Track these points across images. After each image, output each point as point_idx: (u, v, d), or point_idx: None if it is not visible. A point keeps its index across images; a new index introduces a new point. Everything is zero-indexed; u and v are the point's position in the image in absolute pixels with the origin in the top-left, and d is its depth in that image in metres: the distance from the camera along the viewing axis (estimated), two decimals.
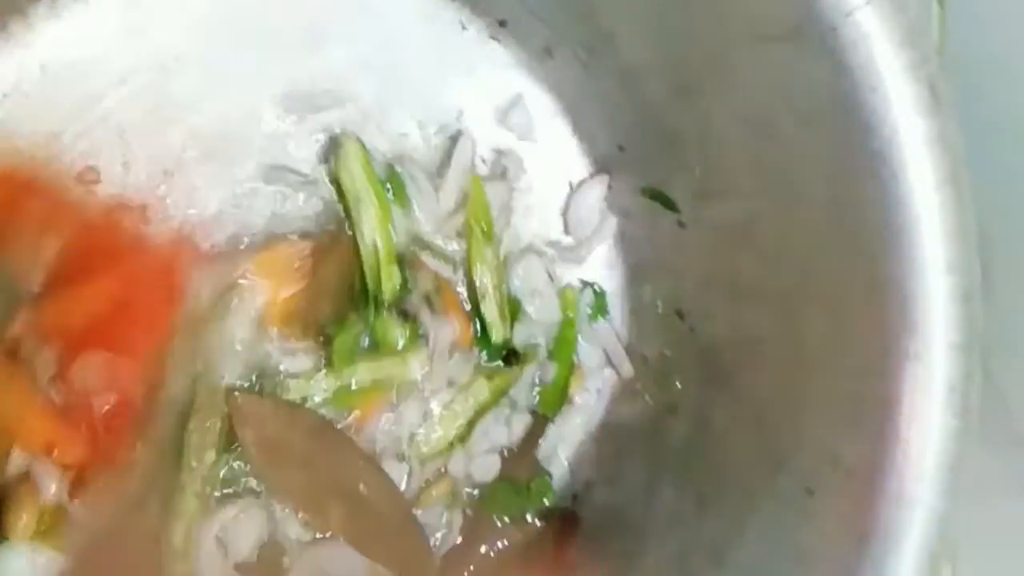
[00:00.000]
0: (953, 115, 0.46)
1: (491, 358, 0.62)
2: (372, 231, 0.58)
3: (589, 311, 0.65)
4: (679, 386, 0.63)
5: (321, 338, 0.58)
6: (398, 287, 0.58)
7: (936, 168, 0.46)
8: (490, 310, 0.61)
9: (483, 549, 0.60)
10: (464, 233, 0.62)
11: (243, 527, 0.56)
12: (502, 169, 0.63)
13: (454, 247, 0.62)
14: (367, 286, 0.58)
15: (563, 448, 0.65)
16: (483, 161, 0.64)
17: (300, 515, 0.57)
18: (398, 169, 0.60)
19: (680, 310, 0.62)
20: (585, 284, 0.66)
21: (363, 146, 0.60)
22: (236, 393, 0.56)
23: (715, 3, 0.49)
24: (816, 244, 0.51)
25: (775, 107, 0.49)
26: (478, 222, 0.61)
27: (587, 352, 0.65)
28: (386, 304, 0.58)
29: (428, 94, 0.62)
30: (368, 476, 0.58)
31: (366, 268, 0.58)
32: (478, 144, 0.63)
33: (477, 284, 0.61)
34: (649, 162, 0.62)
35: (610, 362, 0.66)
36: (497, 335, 0.61)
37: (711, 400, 0.60)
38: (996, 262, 0.50)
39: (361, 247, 0.58)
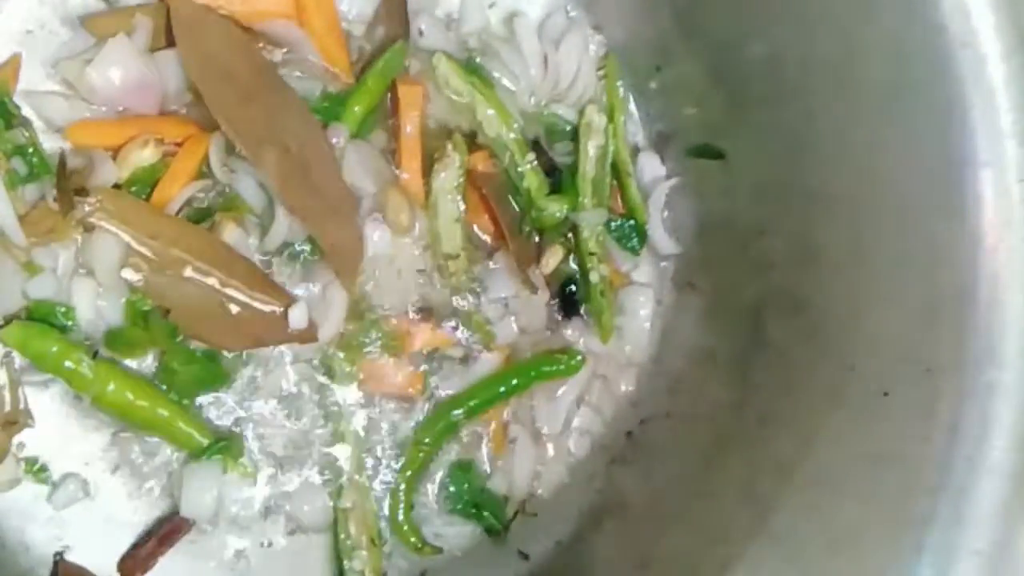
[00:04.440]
0: None
1: None
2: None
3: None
4: (730, 307, 0.61)
5: None
6: None
7: (1003, 36, 0.44)
8: None
9: None
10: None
11: None
12: None
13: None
14: None
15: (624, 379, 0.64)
16: None
17: (237, 146, 0.55)
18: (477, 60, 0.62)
19: (733, 222, 0.60)
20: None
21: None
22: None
23: None
24: (878, 136, 0.49)
25: None
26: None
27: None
28: None
29: None
30: (308, 133, 0.56)
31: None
32: None
33: None
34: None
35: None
36: None
37: (765, 314, 0.58)
38: None
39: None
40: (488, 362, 0.62)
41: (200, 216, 0.57)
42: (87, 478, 0.57)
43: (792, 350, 0.56)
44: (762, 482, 0.55)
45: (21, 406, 0.56)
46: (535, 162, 0.62)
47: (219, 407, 0.58)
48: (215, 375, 0.57)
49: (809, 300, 0.55)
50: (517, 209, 0.62)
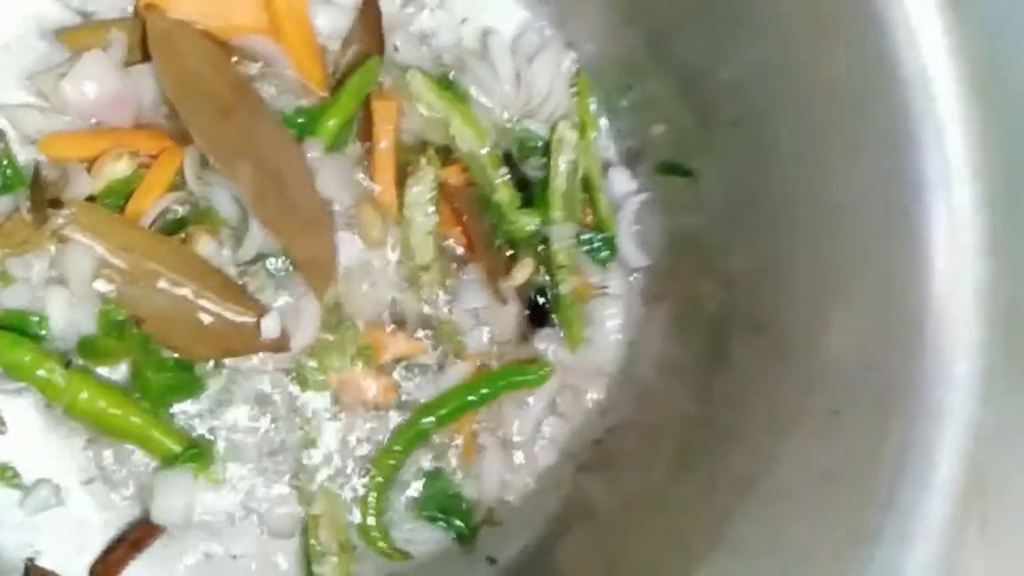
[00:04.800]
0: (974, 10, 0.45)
1: None
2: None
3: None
4: (695, 321, 0.62)
5: None
6: None
7: (957, 72, 0.45)
8: None
9: None
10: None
11: None
12: None
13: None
14: None
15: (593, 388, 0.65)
16: None
17: (212, 162, 0.56)
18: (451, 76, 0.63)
19: (700, 238, 0.61)
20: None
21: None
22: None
23: None
24: (837, 160, 0.51)
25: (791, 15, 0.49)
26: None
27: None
28: None
29: None
30: (283, 147, 0.57)
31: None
32: None
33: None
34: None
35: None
36: None
37: (729, 330, 0.59)
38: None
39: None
40: (459, 371, 0.63)
41: (174, 228, 0.57)
42: (59, 484, 0.58)
43: (754, 366, 0.58)
44: (722, 494, 0.56)
45: None
46: (507, 176, 0.63)
47: (192, 415, 0.59)
48: (188, 384, 0.57)
49: (771, 318, 0.57)
50: (489, 222, 0.63)
